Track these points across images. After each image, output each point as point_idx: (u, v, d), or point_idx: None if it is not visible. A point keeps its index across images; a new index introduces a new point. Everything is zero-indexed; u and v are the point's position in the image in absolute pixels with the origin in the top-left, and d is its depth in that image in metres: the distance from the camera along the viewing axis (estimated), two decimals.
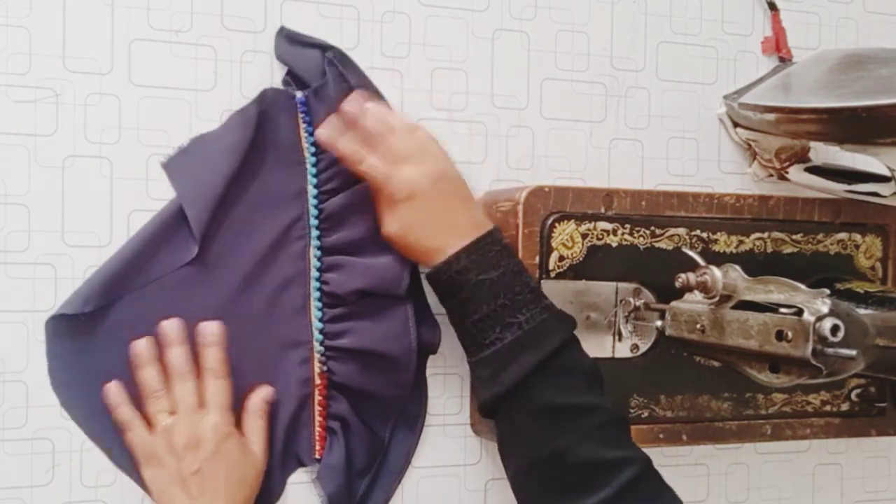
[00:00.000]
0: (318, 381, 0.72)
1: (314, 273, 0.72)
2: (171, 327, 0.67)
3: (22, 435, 0.68)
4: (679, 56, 0.85)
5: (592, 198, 0.74)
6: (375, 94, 0.75)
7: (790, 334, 0.61)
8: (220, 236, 0.70)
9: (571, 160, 0.81)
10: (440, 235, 0.66)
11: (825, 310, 0.61)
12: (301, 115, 0.73)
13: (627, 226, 0.75)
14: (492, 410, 0.66)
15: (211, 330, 0.68)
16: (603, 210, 0.74)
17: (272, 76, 0.73)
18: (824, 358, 0.60)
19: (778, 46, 0.86)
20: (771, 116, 0.76)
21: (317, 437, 0.73)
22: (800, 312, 0.61)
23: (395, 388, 0.72)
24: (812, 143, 0.83)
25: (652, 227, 0.76)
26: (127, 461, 0.68)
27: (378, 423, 0.74)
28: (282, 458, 0.72)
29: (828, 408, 0.81)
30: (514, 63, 0.80)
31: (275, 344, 0.72)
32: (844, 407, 0.82)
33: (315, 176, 0.72)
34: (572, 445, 0.61)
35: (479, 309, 0.64)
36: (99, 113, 0.69)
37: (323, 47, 0.73)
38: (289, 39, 0.73)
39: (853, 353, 0.60)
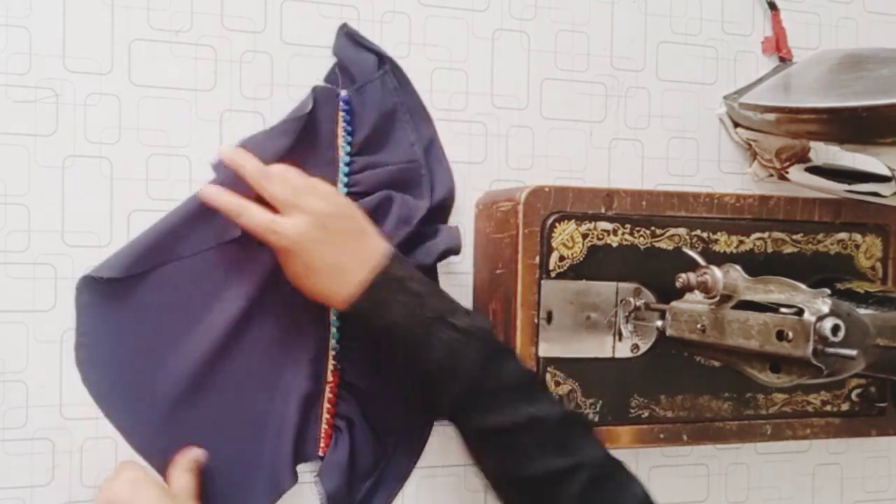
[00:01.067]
0: (329, 379, 0.73)
1: None
2: None
3: (22, 435, 0.68)
4: (679, 56, 0.85)
5: (592, 198, 0.74)
6: (423, 113, 0.76)
7: (791, 334, 0.61)
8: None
9: (571, 160, 0.81)
10: (332, 282, 0.65)
11: (826, 310, 0.60)
12: (342, 114, 0.73)
13: (628, 226, 0.75)
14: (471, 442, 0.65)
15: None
16: (603, 210, 0.74)
17: (272, 76, 0.73)
18: (825, 358, 0.60)
19: (778, 46, 0.87)
20: (771, 116, 0.76)
21: (322, 435, 0.73)
22: (800, 312, 0.61)
23: (405, 389, 0.73)
24: (812, 143, 0.83)
25: (652, 227, 0.76)
26: (141, 441, 0.69)
27: (384, 428, 0.74)
28: (292, 451, 0.71)
29: (828, 408, 0.81)
30: (514, 63, 0.80)
31: (293, 336, 0.72)
32: (845, 407, 0.82)
33: (346, 175, 0.73)
34: (519, 464, 0.60)
35: (392, 349, 0.65)
36: (99, 113, 0.69)
37: (379, 54, 0.74)
38: (348, 36, 0.74)
39: (853, 353, 0.60)
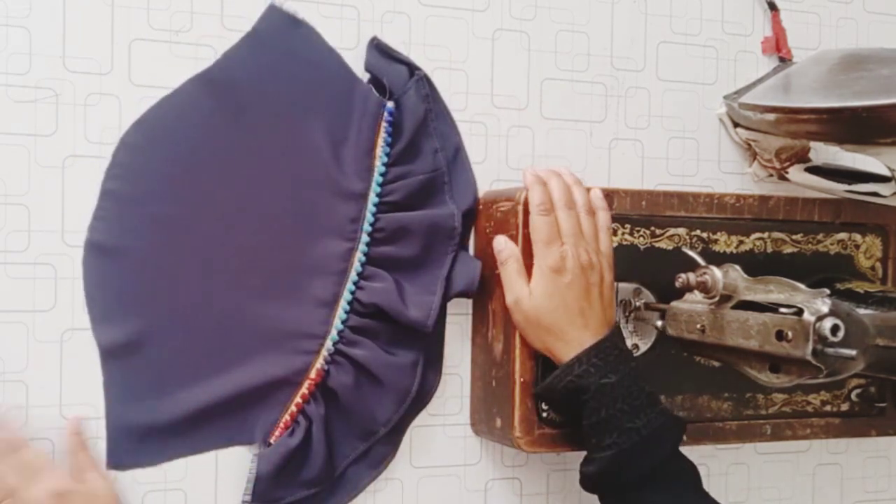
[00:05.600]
0: (312, 376, 0.72)
1: (353, 276, 0.72)
2: None
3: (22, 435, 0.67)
4: (679, 56, 0.85)
5: None
6: (450, 122, 0.77)
7: (790, 334, 0.61)
8: (274, 185, 0.71)
9: (571, 160, 0.81)
10: (576, 328, 0.68)
11: (825, 310, 0.60)
12: (385, 125, 0.73)
13: (627, 226, 0.75)
14: (594, 492, 0.69)
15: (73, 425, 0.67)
16: None
17: None
18: (824, 358, 0.60)
19: (778, 46, 0.86)
20: (771, 116, 0.76)
21: (281, 424, 0.71)
22: (800, 312, 0.61)
23: (375, 422, 0.73)
24: (812, 143, 0.83)
25: (652, 227, 0.76)
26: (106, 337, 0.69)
27: (340, 451, 0.73)
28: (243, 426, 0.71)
29: (828, 408, 0.81)
30: (514, 63, 0.80)
31: (290, 326, 0.72)
32: (844, 407, 0.82)
33: (380, 185, 0.73)
34: None
35: (601, 406, 0.66)
36: (99, 113, 0.69)
37: (411, 65, 0.75)
38: (379, 49, 0.74)
39: (853, 353, 0.60)
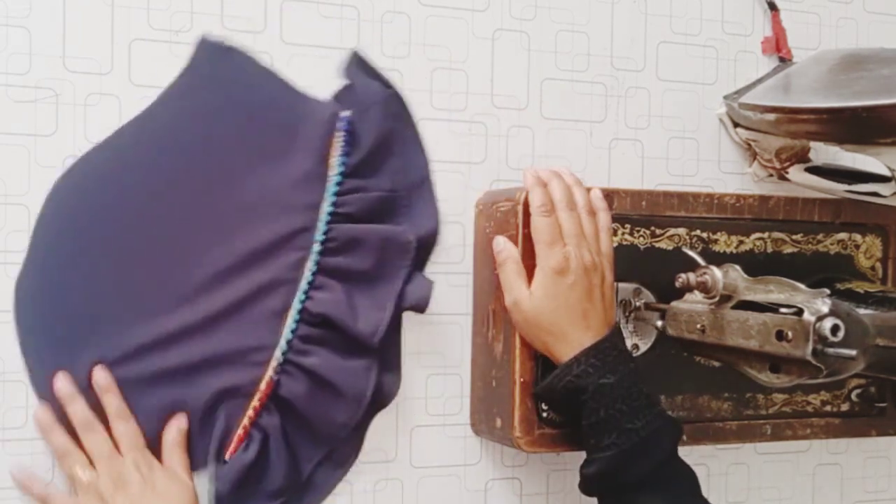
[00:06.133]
0: (262, 388, 0.70)
1: (303, 286, 0.71)
2: (62, 384, 0.66)
3: (22, 435, 0.67)
4: (679, 56, 0.85)
5: None
6: (420, 149, 0.76)
7: (790, 334, 0.61)
8: (223, 211, 0.70)
9: (571, 160, 0.81)
10: (576, 329, 0.68)
11: (825, 310, 0.60)
12: (343, 134, 0.72)
13: (627, 226, 0.75)
14: (592, 494, 0.69)
15: (102, 377, 0.67)
16: None
17: None
18: (824, 358, 0.60)
19: (778, 46, 0.86)
20: (771, 116, 0.76)
21: (234, 439, 0.70)
22: (800, 312, 0.61)
23: (334, 426, 0.72)
24: (812, 143, 0.83)
25: (652, 227, 0.76)
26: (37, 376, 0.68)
27: (303, 455, 0.72)
28: (197, 448, 0.70)
29: (828, 408, 0.81)
30: (514, 63, 0.80)
31: (239, 339, 0.70)
32: (845, 407, 0.82)
33: (335, 195, 0.72)
34: None
35: (600, 407, 0.66)
36: (99, 113, 0.69)
37: (387, 83, 0.74)
38: (359, 63, 0.74)
39: (853, 353, 0.60)
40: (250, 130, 0.71)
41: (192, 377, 0.69)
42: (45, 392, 0.67)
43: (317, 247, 0.72)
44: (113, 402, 0.67)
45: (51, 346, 0.67)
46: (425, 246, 0.76)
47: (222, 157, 0.71)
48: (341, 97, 0.74)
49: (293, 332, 0.71)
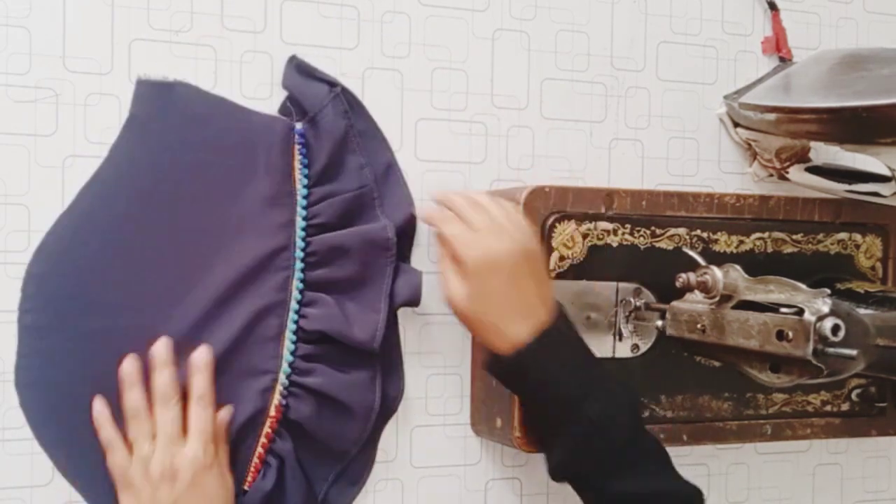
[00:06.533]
0: (272, 413, 0.70)
1: (294, 305, 0.71)
2: (161, 348, 0.66)
3: (22, 435, 0.67)
4: (679, 56, 0.85)
5: (593, 198, 0.74)
6: (379, 138, 0.75)
7: (791, 334, 0.61)
8: (198, 250, 0.69)
9: (571, 160, 0.81)
10: (510, 321, 0.64)
11: (826, 309, 0.61)
12: (298, 147, 0.72)
13: (628, 226, 0.75)
14: (561, 481, 0.67)
15: (202, 356, 0.67)
16: (603, 210, 0.74)
17: (272, 76, 0.73)
18: (825, 358, 0.60)
19: (778, 46, 0.87)
20: (771, 116, 0.76)
21: (251, 469, 0.70)
22: (800, 312, 0.61)
23: (345, 442, 0.72)
24: (812, 143, 0.83)
25: (652, 227, 0.76)
26: (77, 475, 0.68)
27: (317, 476, 0.72)
28: None
29: (828, 408, 0.81)
30: (514, 63, 0.80)
31: (240, 369, 0.70)
32: (845, 407, 0.82)
33: (305, 208, 0.72)
34: None
35: (546, 398, 0.65)
36: (99, 113, 0.69)
37: (331, 83, 0.73)
38: (298, 69, 0.73)
39: (854, 352, 0.60)
40: (209, 163, 0.70)
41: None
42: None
43: (298, 264, 0.71)
44: (203, 383, 0.66)
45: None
46: (406, 233, 0.75)
47: (186, 197, 0.69)
48: (290, 106, 0.73)
49: (292, 353, 0.71)
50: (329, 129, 0.71)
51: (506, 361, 0.65)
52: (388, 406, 0.74)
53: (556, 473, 0.66)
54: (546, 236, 0.72)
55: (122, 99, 0.70)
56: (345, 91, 0.73)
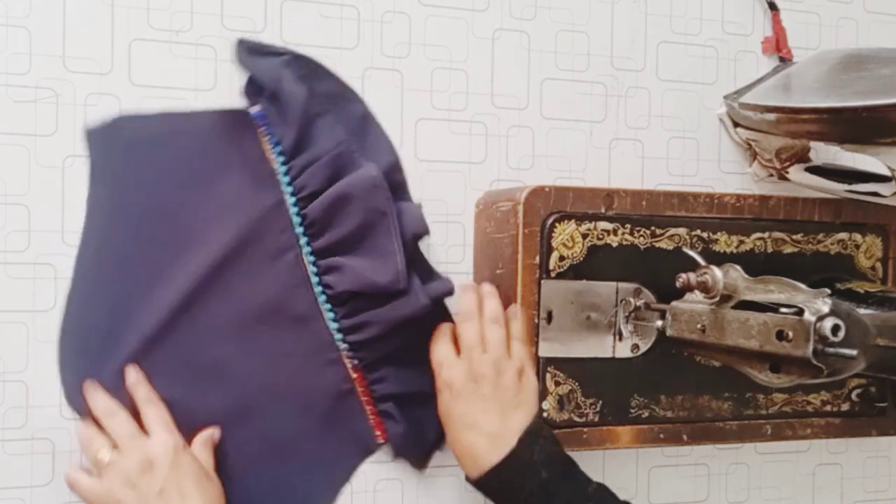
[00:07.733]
0: (354, 375, 0.73)
1: (314, 279, 0.72)
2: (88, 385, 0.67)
3: (22, 435, 0.68)
4: (679, 56, 0.85)
5: (593, 198, 0.74)
6: (347, 94, 0.74)
7: (791, 334, 0.61)
8: (204, 266, 0.70)
9: (571, 160, 0.81)
10: (480, 447, 0.67)
11: (826, 309, 0.60)
12: (263, 129, 0.72)
13: (628, 226, 0.75)
14: None
15: (132, 375, 0.68)
16: (603, 210, 0.74)
17: None
18: (825, 358, 0.60)
19: (778, 46, 0.87)
20: (771, 116, 0.76)
21: (373, 424, 0.74)
22: (800, 312, 0.61)
23: (424, 337, 0.73)
24: (812, 143, 0.83)
25: (652, 227, 0.76)
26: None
27: (417, 390, 0.74)
28: (336, 455, 0.74)
29: (828, 408, 0.81)
30: (514, 63, 0.80)
31: (293, 354, 0.72)
32: (845, 407, 0.82)
33: (290, 184, 0.72)
34: None
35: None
36: (99, 113, 0.69)
37: (281, 53, 0.72)
38: (249, 51, 0.72)
39: (854, 352, 0.60)
40: (183, 179, 0.70)
41: (280, 407, 0.73)
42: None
43: (302, 239, 0.72)
44: (143, 391, 0.67)
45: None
46: (393, 175, 0.75)
47: (172, 217, 0.70)
48: (249, 89, 0.72)
49: (334, 319, 0.73)
50: (289, 100, 0.71)
51: (474, 485, 0.68)
52: (441, 295, 0.74)
53: None
54: (546, 236, 0.72)
55: (122, 99, 0.70)
56: (299, 57, 0.73)
